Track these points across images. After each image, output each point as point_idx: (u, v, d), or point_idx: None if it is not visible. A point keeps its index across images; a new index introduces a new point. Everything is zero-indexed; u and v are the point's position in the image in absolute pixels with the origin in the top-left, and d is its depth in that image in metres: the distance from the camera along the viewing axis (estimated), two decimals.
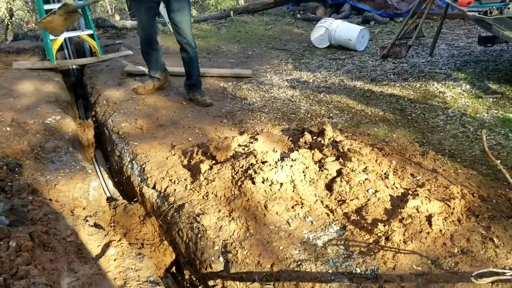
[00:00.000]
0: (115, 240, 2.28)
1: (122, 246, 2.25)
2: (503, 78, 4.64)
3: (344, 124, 3.77)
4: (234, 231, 2.41)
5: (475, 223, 2.42)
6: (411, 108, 4.04)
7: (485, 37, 4.77)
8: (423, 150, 3.23)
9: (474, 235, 2.32)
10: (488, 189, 2.72)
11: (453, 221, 2.40)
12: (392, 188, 2.65)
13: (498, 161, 2.72)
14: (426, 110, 3.98)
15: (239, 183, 2.63)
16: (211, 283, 2.30)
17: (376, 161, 2.84)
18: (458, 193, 2.60)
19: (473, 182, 2.81)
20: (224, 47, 6.27)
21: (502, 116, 3.76)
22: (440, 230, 2.33)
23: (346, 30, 5.97)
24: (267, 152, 2.76)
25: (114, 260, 2.15)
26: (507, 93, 4.25)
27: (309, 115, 3.99)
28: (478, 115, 3.82)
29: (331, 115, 3.98)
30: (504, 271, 1.79)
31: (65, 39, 5.46)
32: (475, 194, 2.65)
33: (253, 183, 2.59)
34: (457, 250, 2.23)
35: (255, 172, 2.61)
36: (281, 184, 2.60)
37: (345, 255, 2.24)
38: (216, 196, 2.65)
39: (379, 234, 2.30)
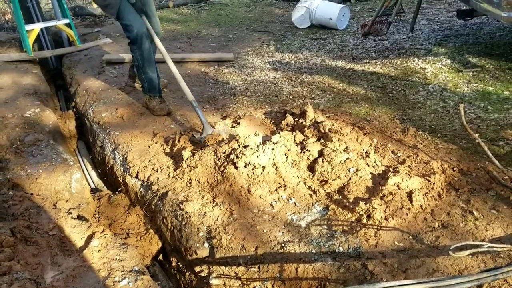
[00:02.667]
0: (98, 232, 2.28)
1: (105, 237, 2.25)
2: (483, 51, 4.67)
3: (326, 104, 3.77)
4: (218, 216, 2.42)
5: (455, 197, 2.45)
6: (392, 86, 4.05)
7: (463, 10, 4.77)
8: (404, 127, 3.26)
9: (454, 209, 2.36)
10: (468, 163, 2.76)
11: (433, 196, 2.43)
12: (373, 166, 2.67)
13: (477, 135, 2.76)
14: (407, 86, 4.00)
15: (222, 169, 2.63)
16: (197, 269, 2.31)
17: (357, 140, 2.85)
18: (438, 168, 2.63)
19: (453, 156, 2.84)
20: (205, 31, 6.19)
21: (481, 90, 3.79)
22: (421, 206, 2.36)
23: (326, 9, 5.93)
24: (249, 136, 2.76)
25: (98, 251, 2.15)
26: (487, 66, 4.28)
27: (291, 97, 3.98)
28: (458, 89, 3.85)
29: (313, 96, 3.98)
30: (482, 243, 1.82)
31: (41, 30, 5.35)
32: (455, 169, 2.68)
33: (236, 168, 2.59)
34: (438, 225, 2.26)
35: (237, 157, 2.61)
36: (264, 167, 2.60)
37: (328, 235, 2.27)
38: (199, 182, 2.65)
39: (361, 213, 2.33)
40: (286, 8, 7.29)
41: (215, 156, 2.71)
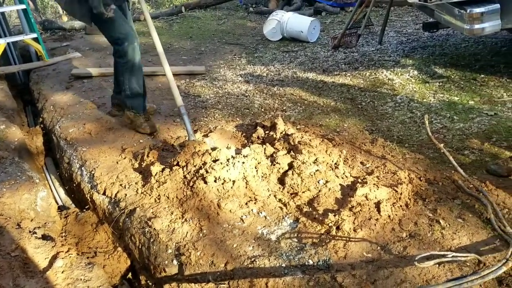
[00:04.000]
0: (63, 251, 2.22)
1: (70, 256, 2.19)
2: (449, 62, 4.80)
3: (297, 116, 3.80)
4: (187, 232, 2.39)
5: (422, 206, 2.49)
6: (361, 97, 4.11)
7: (429, 23, 4.89)
8: (372, 138, 3.30)
9: (422, 219, 2.39)
10: (434, 172, 2.81)
11: (401, 206, 2.46)
12: (342, 178, 2.69)
13: (442, 144, 2.82)
14: (376, 98, 4.06)
15: (191, 184, 2.61)
16: (166, 287, 2.27)
17: (326, 151, 2.87)
18: (405, 178, 2.66)
19: (420, 166, 2.89)
20: (176, 44, 6.18)
21: (447, 100, 3.89)
22: (389, 216, 2.38)
23: (297, 22, 6.01)
24: (220, 150, 2.74)
25: (62, 272, 2.09)
26: (453, 76, 4.39)
27: (263, 110, 3.99)
28: (425, 100, 3.93)
29: (284, 108, 4.00)
30: (446, 253, 1.85)
31: (8, 44, 5.24)
32: (422, 178, 2.72)
33: (205, 182, 2.57)
34: (405, 235, 2.29)
35: (207, 172, 2.59)
36: (234, 181, 2.59)
37: (298, 248, 2.26)
38: (168, 198, 2.61)
39: (330, 224, 2.33)
40: (258, 21, 7.35)
41: (184, 171, 2.68)
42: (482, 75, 4.33)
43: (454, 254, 1.84)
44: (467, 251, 2.11)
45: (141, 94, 3.44)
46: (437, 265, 2.04)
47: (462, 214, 2.40)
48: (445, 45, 5.40)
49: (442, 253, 1.84)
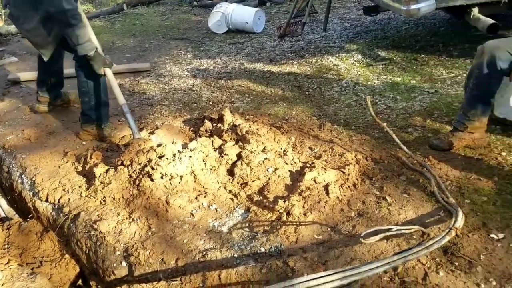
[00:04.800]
0: (2, 264, 2.10)
1: (11, 268, 2.07)
2: (391, 45, 4.92)
3: (245, 107, 3.77)
4: (135, 232, 2.32)
5: (370, 185, 2.53)
6: (308, 84, 4.14)
7: (369, 6, 4.97)
8: (320, 123, 3.33)
9: (369, 197, 2.43)
10: (380, 151, 2.86)
11: (349, 186, 2.49)
12: (291, 164, 2.69)
13: (385, 124, 2.87)
14: (322, 83, 4.10)
15: (137, 182, 2.53)
16: None
17: (274, 139, 2.86)
18: (352, 159, 2.70)
19: (366, 146, 2.94)
20: (119, 42, 6.00)
21: (390, 81, 3.98)
22: (337, 197, 2.41)
23: (242, 13, 5.97)
24: (165, 145, 2.68)
25: (2, 285, 1.97)
26: (395, 58, 4.50)
27: (211, 103, 3.94)
28: (369, 82, 4.01)
29: (232, 100, 3.97)
30: (390, 227, 1.88)
31: None
32: (368, 158, 2.77)
33: (152, 180, 2.50)
34: (354, 214, 2.32)
35: (153, 169, 2.52)
36: (181, 176, 2.53)
37: (250, 237, 2.25)
38: (114, 199, 2.53)
39: (280, 211, 2.33)
40: (203, 15, 7.25)
41: (129, 170, 2.60)
42: (423, 55, 4.46)
43: (398, 227, 1.87)
44: (413, 225, 2.16)
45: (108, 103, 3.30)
46: (385, 241, 2.08)
47: (407, 190, 2.46)
48: (387, 29, 5.52)
49: (386, 227, 1.87)
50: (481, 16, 3.77)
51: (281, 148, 2.82)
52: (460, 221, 2.04)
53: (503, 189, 2.38)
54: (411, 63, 4.31)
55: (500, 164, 2.59)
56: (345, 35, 5.48)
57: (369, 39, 5.19)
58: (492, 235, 2.06)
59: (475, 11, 3.80)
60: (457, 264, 1.93)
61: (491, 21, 3.64)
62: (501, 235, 2.06)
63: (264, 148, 2.73)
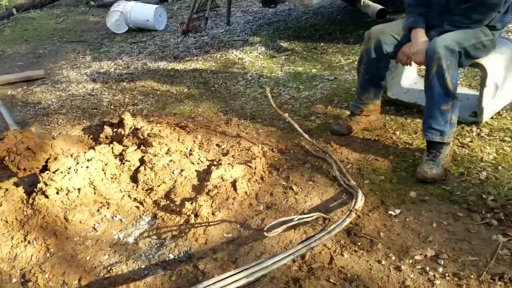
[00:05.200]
0: None
1: None
2: (292, 35, 5.02)
3: (150, 108, 3.65)
4: (31, 255, 2.14)
5: (277, 176, 2.55)
6: (214, 79, 4.10)
7: None
8: (227, 118, 3.30)
9: (277, 188, 2.45)
10: (286, 142, 2.90)
11: (256, 180, 2.49)
12: (198, 163, 2.64)
13: (286, 114, 2.91)
14: (228, 78, 4.08)
15: (31, 201, 2.33)
16: None
17: (179, 140, 2.79)
18: (259, 152, 2.70)
19: (273, 138, 2.96)
20: (10, 50, 5.54)
21: (293, 71, 4.06)
22: (246, 192, 2.40)
23: (141, 11, 5.77)
24: (56, 158, 2.50)
25: None
26: (296, 48, 4.60)
27: (112, 107, 3.76)
28: (273, 74, 4.06)
29: (136, 101, 3.82)
30: (292, 217, 1.90)
31: None
32: (274, 149, 2.79)
33: (46, 197, 2.32)
34: (263, 207, 2.32)
35: (46, 184, 2.34)
36: (79, 189, 2.38)
37: (158, 245, 2.17)
38: (7, 222, 2.31)
39: (188, 213, 2.27)
40: (102, 15, 6.91)
41: (21, 189, 2.39)
42: (322, 44, 4.60)
43: (299, 216, 1.90)
44: (318, 211, 2.21)
45: None
46: (293, 230, 2.11)
47: (312, 177, 2.51)
48: (288, 19, 5.63)
49: (287, 218, 1.89)
50: (371, 3, 3.96)
51: (187, 148, 2.75)
52: (360, 203, 2.12)
53: (398, 166, 2.51)
54: (311, 52, 4.43)
55: (395, 142, 2.73)
56: (249, 28, 5.51)
57: (271, 31, 5.26)
58: (390, 212, 2.17)
59: None
60: (359, 244, 2.01)
61: (379, 6, 3.83)
62: (398, 211, 2.17)
63: (168, 150, 2.65)
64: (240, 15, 6.12)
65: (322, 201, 2.32)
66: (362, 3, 3.98)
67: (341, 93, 3.49)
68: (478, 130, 2.71)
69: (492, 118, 2.80)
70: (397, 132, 2.83)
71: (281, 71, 4.09)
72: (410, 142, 2.71)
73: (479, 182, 2.28)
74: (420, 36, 2.46)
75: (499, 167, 2.37)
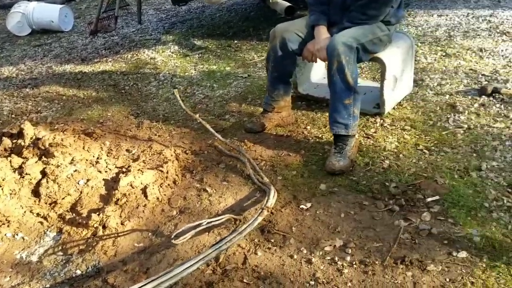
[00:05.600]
0: None
1: None
2: (206, 33, 4.97)
3: (54, 115, 3.43)
4: None
5: (191, 179, 2.51)
6: (125, 81, 3.95)
7: None
8: (138, 122, 3.20)
9: (190, 191, 2.40)
10: (200, 143, 2.86)
11: (169, 184, 2.43)
12: (105, 172, 2.52)
13: (197, 115, 2.87)
14: (139, 79, 3.95)
15: None
16: None
17: (84, 148, 2.65)
18: (172, 155, 2.64)
19: (186, 139, 2.91)
20: None
21: (207, 70, 4.02)
22: (157, 198, 2.33)
23: (44, 11, 5.43)
24: None
25: None
26: (210, 46, 4.56)
27: (13, 116, 3.50)
28: (187, 73, 3.99)
29: (39, 109, 3.58)
30: (200, 222, 1.88)
31: None
32: (188, 151, 2.74)
33: None
34: (176, 212, 2.27)
35: None
36: None
37: (64, 261, 2.04)
38: None
39: (95, 225, 2.16)
40: (2, 16, 6.42)
41: None
42: (236, 41, 4.61)
43: (208, 220, 1.88)
44: (232, 211, 2.21)
45: None
46: (207, 233, 2.08)
47: (226, 177, 2.50)
48: (202, 17, 5.58)
49: (195, 223, 1.86)
50: (279, 0, 4.01)
51: (93, 156, 2.62)
52: (272, 200, 2.14)
53: (309, 160, 2.57)
54: (225, 50, 4.42)
55: (306, 137, 2.80)
56: (161, 26, 5.39)
57: (185, 29, 5.17)
58: (301, 206, 2.21)
59: None
60: (273, 240, 2.02)
61: (287, 4, 3.90)
62: (309, 204, 2.22)
63: (73, 160, 2.50)
64: (152, 13, 5.97)
65: (237, 201, 2.31)
66: (271, 1, 4.02)
67: (255, 90, 3.51)
68: (382, 120, 2.85)
69: (393, 108, 2.96)
70: (308, 127, 2.90)
71: (195, 70, 4.04)
72: (320, 136, 2.79)
73: (382, 171, 2.40)
74: (322, 33, 2.53)
75: (400, 155, 2.51)
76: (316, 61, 2.65)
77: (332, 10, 2.60)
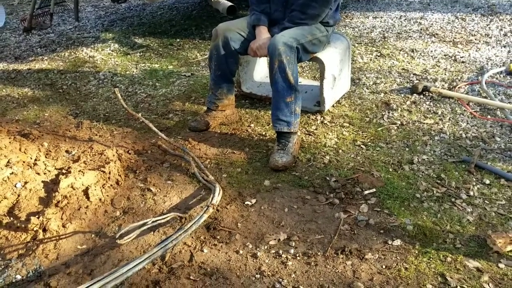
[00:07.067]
0: None
1: None
2: (147, 31, 4.90)
3: None
4: None
5: (134, 179, 2.48)
6: (62, 80, 3.82)
7: None
8: (77, 122, 3.10)
9: (134, 191, 2.38)
10: (143, 142, 2.83)
11: (111, 185, 2.39)
12: (44, 173, 2.43)
13: (139, 114, 2.84)
14: (78, 78, 3.83)
15: None
16: None
17: (20, 149, 2.54)
18: (114, 155, 2.59)
19: (129, 139, 2.87)
20: None
21: (149, 68, 3.97)
22: (100, 199, 2.29)
23: None
24: None
25: None
26: (152, 45, 4.51)
27: None
28: (128, 72, 3.92)
29: None
30: (146, 221, 1.87)
31: None
32: (130, 151, 2.70)
33: None
34: (119, 213, 2.24)
35: None
36: None
37: (2, 267, 1.95)
38: None
39: (35, 229, 2.08)
40: None
41: None
42: (178, 40, 4.59)
43: (153, 219, 1.88)
44: (178, 210, 2.21)
45: None
46: (152, 232, 2.07)
47: (171, 176, 2.49)
48: (143, 15, 5.49)
49: (140, 223, 1.85)
50: None
51: (31, 158, 2.52)
52: (217, 197, 2.17)
53: (253, 157, 2.63)
54: (167, 49, 4.39)
55: (250, 135, 2.85)
56: (100, 24, 5.24)
57: (125, 27, 5.07)
58: (247, 202, 2.26)
59: None
60: (218, 237, 2.05)
61: (229, 3, 3.93)
62: (253, 200, 2.27)
63: (9, 162, 2.39)
64: (91, 10, 5.80)
65: (182, 199, 2.32)
66: (213, 0, 4.04)
67: (199, 89, 3.52)
68: (322, 118, 2.96)
69: (333, 106, 3.08)
70: (252, 125, 2.95)
71: (136, 68, 3.98)
72: (264, 133, 2.85)
73: (323, 166, 2.50)
74: (263, 33, 2.60)
75: (340, 151, 2.63)
76: (260, 57, 2.73)
77: (274, 8, 2.67)
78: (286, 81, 2.45)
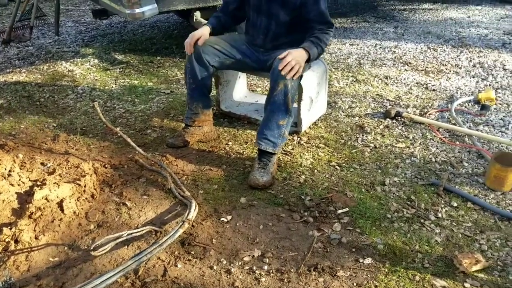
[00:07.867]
0: None
1: None
2: (128, 48, 4.93)
3: None
4: None
5: (109, 193, 2.47)
6: (40, 93, 3.79)
7: (97, 10, 4.85)
8: (54, 135, 3.09)
9: (109, 205, 2.37)
10: (120, 157, 2.83)
11: (86, 198, 2.38)
12: (18, 185, 2.40)
13: (118, 128, 2.85)
14: (56, 92, 3.82)
15: None
16: None
17: None
18: (90, 169, 2.58)
19: (105, 153, 2.87)
20: None
21: (128, 84, 3.98)
22: (74, 212, 2.27)
23: None
24: None
25: None
26: (132, 61, 4.53)
27: None
28: (107, 87, 3.93)
29: None
30: (121, 233, 1.87)
31: None
32: (107, 165, 2.70)
33: None
34: (93, 226, 2.22)
35: None
36: None
37: None
38: None
39: (7, 240, 2.05)
40: None
41: None
42: (159, 57, 4.63)
43: (128, 232, 1.88)
44: (153, 224, 2.21)
45: None
46: (126, 246, 2.07)
47: (147, 191, 2.50)
48: (124, 32, 5.52)
49: (116, 235, 1.85)
50: (203, 20, 4.12)
51: (5, 169, 2.49)
52: (193, 213, 2.19)
53: (230, 175, 2.66)
54: (148, 66, 4.42)
55: (228, 153, 2.89)
56: (81, 39, 5.25)
57: (105, 43, 5.09)
58: (222, 219, 2.28)
59: (197, 15, 4.13)
60: (193, 252, 2.06)
61: None
62: (229, 217, 2.29)
63: None
64: (71, 25, 5.80)
65: (157, 214, 2.32)
66: (195, 20, 4.12)
67: (178, 106, 3.55)
68: (299, 138, 3.03)
69: (309, 127, 3.16)
70: (230, 143, 2.99)
71: (116, 84, 3.99)
72: (241, 151, 2.89)
73: (299, 185, 2.55)
74: (201, 28, 2.83)
75: (315, 171, 2.69)
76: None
77: (256, 35, 2.77)
78: (285, 105, 2.50)
